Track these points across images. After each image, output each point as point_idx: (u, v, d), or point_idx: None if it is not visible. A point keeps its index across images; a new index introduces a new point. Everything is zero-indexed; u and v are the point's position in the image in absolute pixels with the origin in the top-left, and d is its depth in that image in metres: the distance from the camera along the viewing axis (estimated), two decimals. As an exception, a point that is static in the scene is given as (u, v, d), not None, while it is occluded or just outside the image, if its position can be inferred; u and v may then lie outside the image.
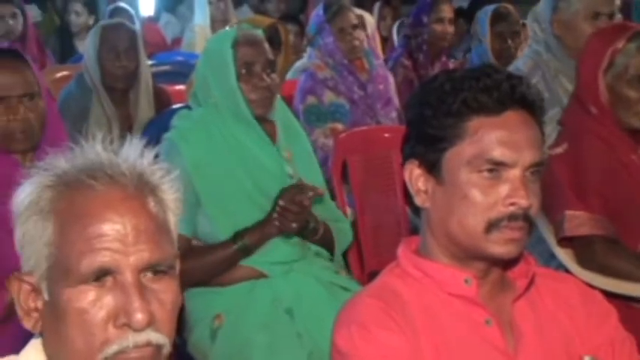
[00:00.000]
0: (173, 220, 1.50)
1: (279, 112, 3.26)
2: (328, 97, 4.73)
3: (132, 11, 6.69)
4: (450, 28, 5.38)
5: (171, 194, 1.50)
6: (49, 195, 1.44)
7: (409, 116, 1.87)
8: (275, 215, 3.07)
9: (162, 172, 1.49)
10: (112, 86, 4.46)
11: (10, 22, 5.65)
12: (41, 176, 1.46)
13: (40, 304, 1.46)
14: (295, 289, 3.12)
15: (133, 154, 1.48)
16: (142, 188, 1.46)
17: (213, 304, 3.10)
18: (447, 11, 5.39)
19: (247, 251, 3.09)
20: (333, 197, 3.56)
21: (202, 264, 3.04)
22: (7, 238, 2.69)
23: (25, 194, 1.46)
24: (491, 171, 1.76)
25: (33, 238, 1.45)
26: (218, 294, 3.11)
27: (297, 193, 3.07)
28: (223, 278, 3.12)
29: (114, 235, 1.41)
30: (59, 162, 1.46)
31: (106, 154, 1.46)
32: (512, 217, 1.75)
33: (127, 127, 4.44)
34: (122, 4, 6.82)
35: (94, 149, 1.46)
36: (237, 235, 3.09)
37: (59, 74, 5.22)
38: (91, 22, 6.89)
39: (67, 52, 6.84)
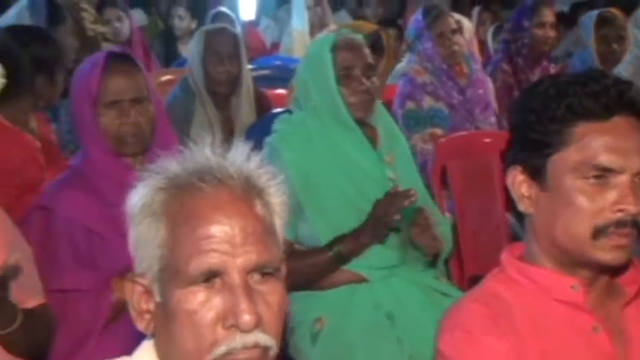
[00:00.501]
0: (279, 223, 1.52)
1: (380, 116, 3.28)
2: (427, 102, 4.73)
3: (233, 16, 6.78)
4: (552, 33, 5.33)
5: (277, 197, 1.52)
6: (161, 197, 1.47)
7: (512, 122, 1.87)
8: (370, 224, 3.08)
9: (269, 176, 1.51)
10: (215, 90, 4.53)
11: (117, 25, 5.78)
12: (154, 179, 1.48)
13: (152, 306, 1.49)
14: (396, 294, 3.13)
15: (240, 157, 1.50)
16: (249, 191, 1.48)
17: (315, 308, 3.12)
18: (548, 15, 5.33)
19: (342, 259, 3.11)
20: (433, 202, 3.55)
21: (301, 268, 3.06)
22: (118, 239, 2.78)
23: (138, 197, 1.49)
24: (598, 177, 1.75)
25: (146, 240, 1.47)
26: (319, 297, 3.14)
27: (390, 201, 3.05)
28: (324, 282, 3.15)
29: (222, 236, 1.44)
30: (171, 165, 1.49)
31: (214, 157, 1.49)
32: (619, 224, 1.74)
33: (228, 131, 4.51)
34: (224, 9, 6.92)
35: (204, 153, 1.49)
36: (334, 242, 3.11)
37: (164, 78, 5.31)
38: (193, 26, 7.00)
39: (170, 56, 6.95)
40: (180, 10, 7.17)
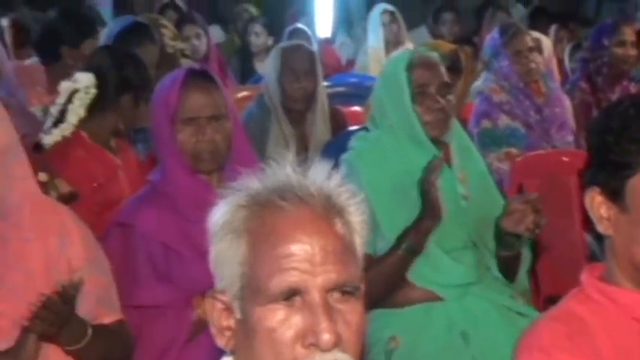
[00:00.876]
0: (359, 242, 1.51)
1: (456, 134, 3.27)
2: (503, 120, 4.70)
3: (310, 32, 6.82)
4: (633, 51, 5.26)
5: (357, 216, 1.51)
6: (242, 214, 1.48)
7: (590, 142, 1.85)
8: (423, 209, 3.05)
9: (349, 195, 1.51)
10: (290, 107, 4.56)
11: (195, 42, 5.85)
12: (235, 196, 1.49)
13: (232, 323, 1.49)
14: (471, 313, 3.10)
15: (321, 176, 1.50)
16: (329, 210, 1.48)
17: (389, 326, 3.11)
18: (629, 34, 5.27)
19: (413, 252, 3.08)
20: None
21: (378, 275, 3.04)
22: (194, 256, 2.82)
23: (219, 214, 1.50)
24: None
25: (227, 258, 1.48)
26: (394, 315, 3.12)
27: (426, 176, 3.03)
28: (399, 299, 3.14)
29: (302, 255, 1.44)
30: (252, 182, 1.49)
31: (295, 175, 1.49)
32: None
33: (303, 148, 4.53)
34: (301, 26, 6.96)
35: (285, 170, 1.49)
36: (400, 239, 3.09)
37: (240, 94, 5.36)
38: (270, 42, 7.04)
39: (246, 73, 7.00)
40: (257, 27, 7.22)
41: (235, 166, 2.91)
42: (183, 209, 2.89)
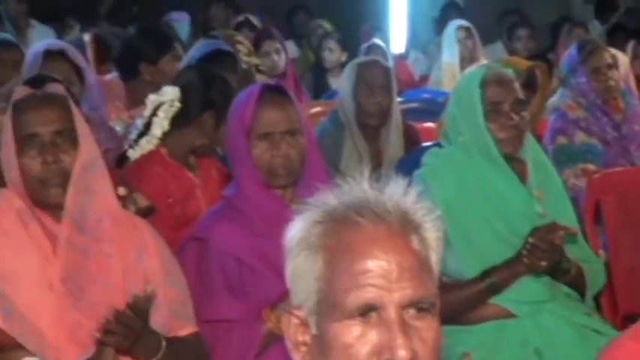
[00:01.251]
0: (435, 258, 1.52)
1: (531, 150, 3.25)
2: (580, 137, 4.65)
3: (386, 48, 6.82)
4: None
5: (433, 233, 1.52)
6: (318, 230, 1.49)
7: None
8: (524, 253, 3.05)
9: (425, 211, 1.51)
10: (365, 122, 4.57)
11: (275, 57, 5.89)
12: (312, 212, 1.50)
13: (308, 338, 1.50)
14: (545, 330, 3.07)
15: (398, 192, 1.50)
16: (405, 226, 1.48)
17: (462, 342, 3.09)
18: None
19: (495, 290, 3.08)
20: (585, 238, 3.49)
21: (451, 300, 3.04)
22: (267, 271, 2.83)
23: (296, 229, 1.51)
24: None
25: (303, 273, 1.49)
26: (467, 332, 3.11)
27: (549, 231, 3.03)
28: (472, 316, 3.12)
29: (378, 271, 1.44)
30: (329, 198, 1.50)
31: (372, 191, 1.50)
32: None
33: (377, 163, 4.53)
34: (378, 41, 6.96)
35: (361, 186, 1.50)
36: (486, 274, 3.08)
37: (313, 110, 5.38)
38: (343, 58, 7.06)
39: (320, 89, 7.03)
40: (331, 43, 7.24)
41: (309, 182, 2.94)
42: (256, 224, 2.91)
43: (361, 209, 1.48)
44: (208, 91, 3.64)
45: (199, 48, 4.64)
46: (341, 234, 1.47)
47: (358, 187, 1.51)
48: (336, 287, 1.46)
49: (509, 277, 3.06)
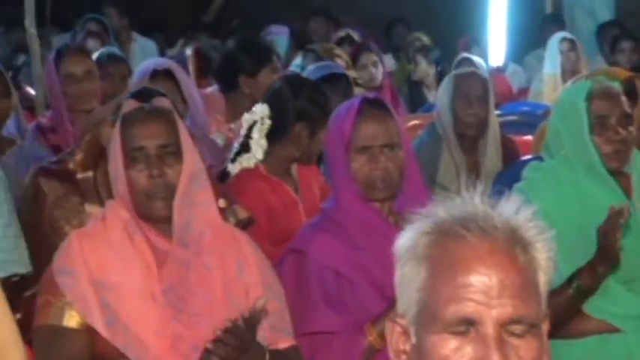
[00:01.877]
0: (543, 279, 1.50)
1: (636, 164, 3.18)
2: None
3: (477, 61, 6.78)
4: None
5: (543, 253, 1.50)
6: (425, 241, 1.49)
7: None
8: (600, 252, 2.97)
9: (537, 230, 1.50)
10: (463, 133, 4.56)
11: (372, 70, 5.91)
12: (422, 222, 1.51)
13: (408, 347, 1.50)
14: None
15: (509, 209, 1.49)
16: (513, 244, 1.47)
17: (564, 357, 3.04)
18: None
19: (583, 294, 3.00)
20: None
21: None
22: (365, 283, 2.83)
23: (405, 238, 1.52)
24: None
25: (408, 282, 1.50)
26: (568, 346, 3.05)
27: (609, 223, 2.94)
28: (574, 330, 3.07)
29: (479, 286, 1.44)
30: (438, 210, 1.50)
31: (482, 206, 1.49)
32: None
33: (474, 175, 4.50)
34: (468, 55, 6.93)
35: (472, 200, 1.50)
36: (571, 278, 3.01)
37: (410, 123, 5.37)
38: (432, 72, 7.06)
39: (417, 101, 7.03)
40: (428, 56, 7.26)
41: (406, 195, 2.93)
42: (355, 237, 2.92)
43: (468, 223, 1.47)
44: (297, 102, 3.65)
45: (314, 71, 4.61)
46: (446, 246, 1.47)
47: (469, 200, 1.51)
48: (436, 299, 1.46)
49: (594, 279, 2.98)
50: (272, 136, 3.61)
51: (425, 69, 7.24)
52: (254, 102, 3.92)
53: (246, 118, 3.67)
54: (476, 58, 6.97)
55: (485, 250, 1.46)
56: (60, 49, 4.71)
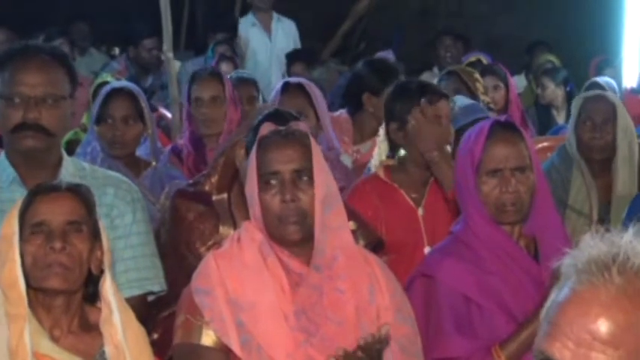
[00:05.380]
0: None
1: None
2: None
3: (607, 85, 6.65)
4: None
5: None
6: (572, 277, 1.48)
7: None
8: None
9: None
10: (588, 157, 4.48)
11: (492, 94, 5.88)
12: (575, 256, 1.49)
13: None
14: None
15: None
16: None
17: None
18: None
19: None
20: None
21: None
22: (494, 307, 2.80)
23: (565, 264, 1.51)
24: None
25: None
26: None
27: None
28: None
29: (579, 335, 1.42)
30: (587, 246, 1.48)
31: (628, 245, 1.46)
32: None
33: (606, 199, 4.42)
34: (598, 79, 6.81)
35: (620, 238, 1.47)
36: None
37: (539, 145, 5.30)
38: (560, 93, 6.99)
39: (545, 124, 6.95)
40: (556, 77, 7.16)
41: (537, 218, 2.89)
42: (484, 260, 2.90)
43: (600, 266, 1.45)
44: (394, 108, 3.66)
45: (464, 115, 4.48)
46: (576, 289, 1.46)
47: (617, 237, 1.47)
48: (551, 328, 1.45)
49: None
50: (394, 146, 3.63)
51: (552, 92, 7.15)
52: (379, 123, 3.92)
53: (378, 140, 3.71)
54: (606, 82, 6.84)
55: (596, 297, 1.44)
56: (194, 73, 4.82)
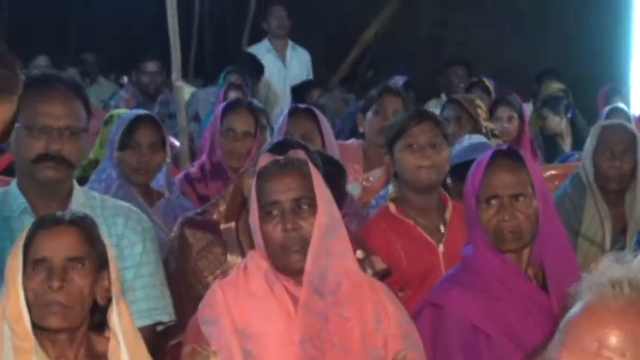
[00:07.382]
0: None
1: None
2: None
3: (630, 113, 6.65)
4: None
5: None
6: (589, 294, 1.51)
7: None
8: None
9: None
10: (604, 186, 4.46)
11: (505, 124, 5.89)
12: (598, 276, 1.52)
13: None
14: None
15: None
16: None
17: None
18: None
19: None
20: None
21: None
22: (502, 336, 2.79)
23: (584, 285, 1.54)
24: None
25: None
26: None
27: None
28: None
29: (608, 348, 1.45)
30: (609, 267, 1.52)
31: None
32: None
33: (620, 228, 4.41)
34: (620, 105, 6.81)
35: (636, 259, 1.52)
36: None
37: (547, 173, 5.30)
38: (564, 124, 7.01)
39: (550, 151, 6.95)
40: (562, 105, 7.19)
41: (545, 245, 2.89)
42: (491, 288, 2.90)
43: (612, 287, 1.49)
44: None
45: (467, 152, 4.26)
46: (589, 304, 1.49)
47: (632, 259, 1.52)
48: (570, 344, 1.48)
49: None
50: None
51: (554, 122, 7.15)
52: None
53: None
54: (627, 109, 6.82)
55: (610, 310, 1.47)
56: (230, 102, 4.84)
